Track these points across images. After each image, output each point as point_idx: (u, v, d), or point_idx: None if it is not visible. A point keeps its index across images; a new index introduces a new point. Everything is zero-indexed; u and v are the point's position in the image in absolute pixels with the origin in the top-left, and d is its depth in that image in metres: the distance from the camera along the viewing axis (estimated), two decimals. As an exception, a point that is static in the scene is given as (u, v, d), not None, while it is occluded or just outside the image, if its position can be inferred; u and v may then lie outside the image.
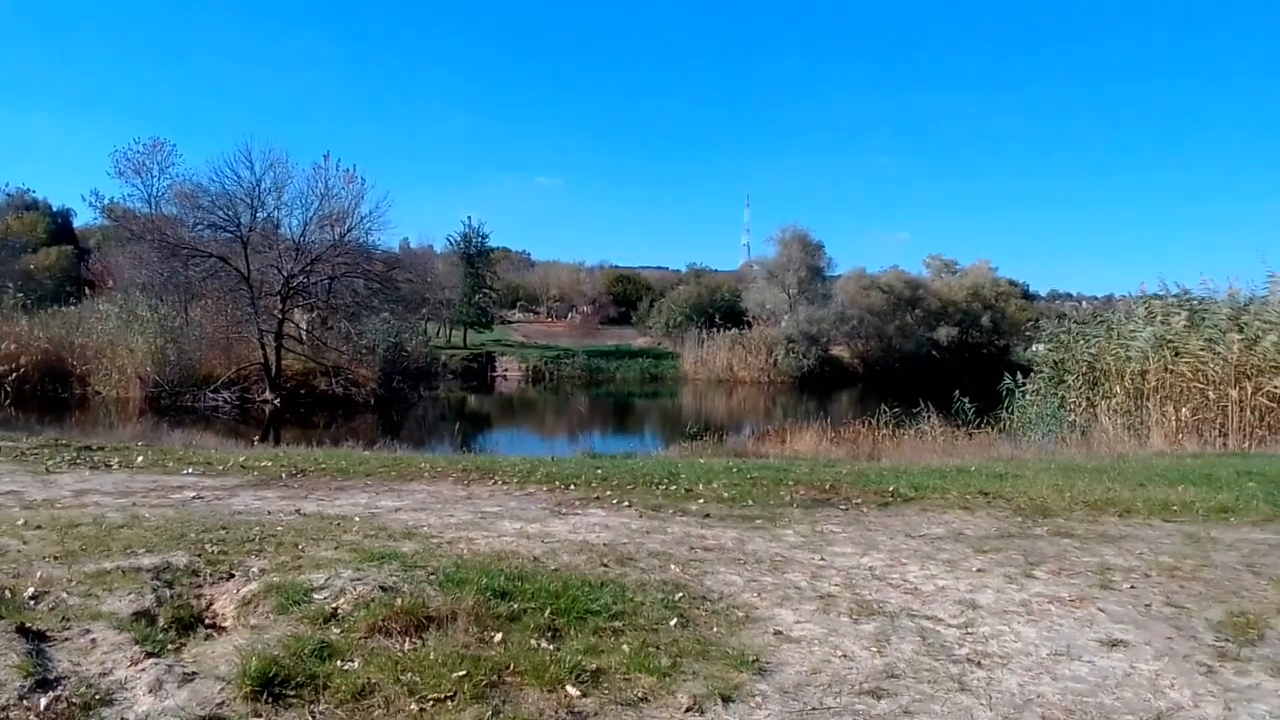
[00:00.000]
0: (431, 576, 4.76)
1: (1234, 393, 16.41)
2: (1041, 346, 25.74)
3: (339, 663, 3.65)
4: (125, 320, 30.53)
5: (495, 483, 8.63)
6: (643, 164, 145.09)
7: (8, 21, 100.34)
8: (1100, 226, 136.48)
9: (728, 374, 53.31)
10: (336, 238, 34.66)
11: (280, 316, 31.60)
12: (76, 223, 65.29)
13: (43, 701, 3.18)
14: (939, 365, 55.58)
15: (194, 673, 3.53)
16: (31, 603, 4.24)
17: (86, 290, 42.08)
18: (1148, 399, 17.48)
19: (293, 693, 3.39)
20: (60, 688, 3.31)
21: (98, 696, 3.29)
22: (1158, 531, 7.13)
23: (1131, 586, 5.45)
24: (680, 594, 4.87)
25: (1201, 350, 17.12)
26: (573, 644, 3.99)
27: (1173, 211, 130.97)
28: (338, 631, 4.00)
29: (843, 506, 7.89)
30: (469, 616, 4.12)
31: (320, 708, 3.32)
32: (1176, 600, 5.19)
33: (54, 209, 65.18)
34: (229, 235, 32.73)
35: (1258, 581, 5.64)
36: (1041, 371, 20.83)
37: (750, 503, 7.87)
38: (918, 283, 63.70)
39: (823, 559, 5.93)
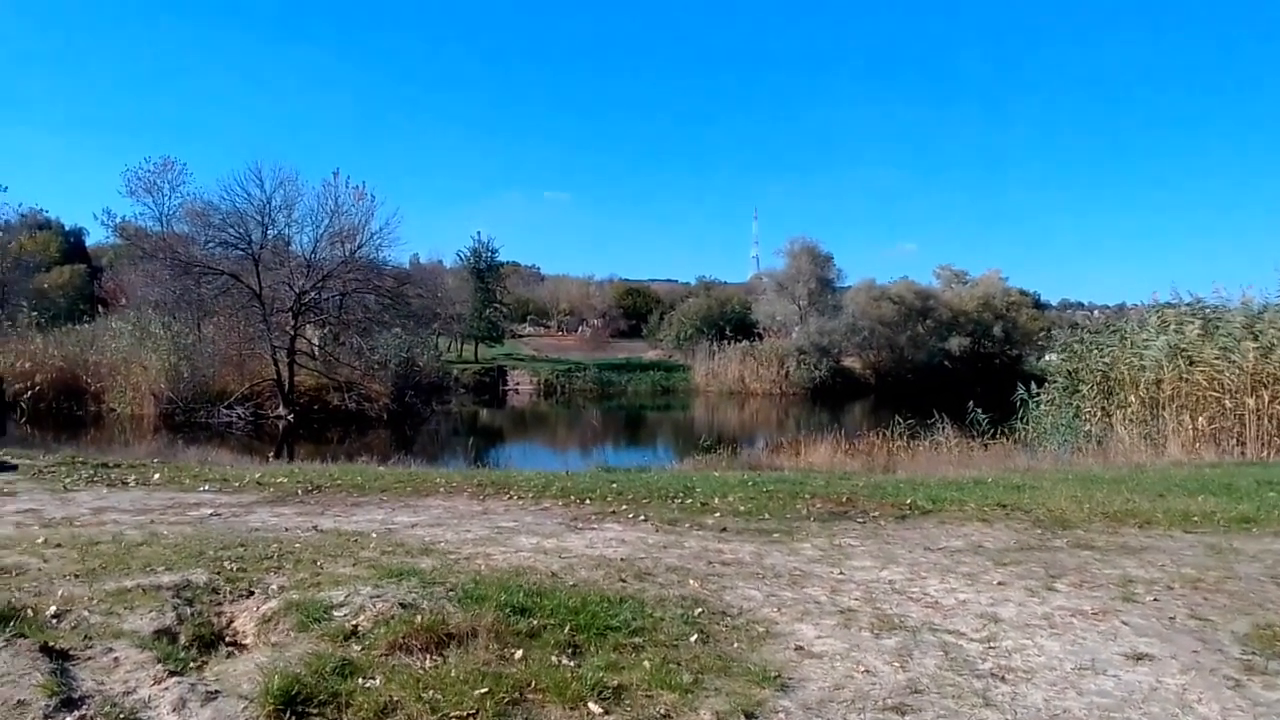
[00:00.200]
0: (451, 593, 4.75)
1: (1251, 401, 16.29)
2: (1054, 356, 25.65)
3: (360, 680, 3.65)
4: (139, 338, 30.69)
5: (511, 498, 8.62)
6: (651, 178, 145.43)
7: (18, 41, 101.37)
8: (1110, 235, 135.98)
9: (739, 386, 53.18)
10: (347, 254, 34.81)
11: (292, 333, 31.71)
12: (89, 241, 65.83)
13: (68, 721, 3.19)
14: (951, 376, 55.40)
15: (217, 691, 3.53)
16: (54, 621, 4.26)
17: (100, 308, 42.35)
18: (1163, 408, 17.37)
19: (315, 711, 3.39)
20: (85, 707, 3.31)
21: (122, 716, 3.29)
22: (1179, 543, 7.07)
23: (1154, 599, 5.40)
24: (700, 609, 4.85)
25: (1216, 359, 17.01)
26: (593, 660, 3.97)
27: (1182, 219, 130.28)
28: (358, 649, 4.00)
29: (860, 519, 7.85)
30: (489, 633, 4.11)
31: (343, 726, 3.32)
32: (1201, 613, 5.15)
33: (66, 228, 65.58)
34: (240, 253, 32.93)
35: (1282, 593, 5.58)
36: (1056, 381, 20.72)
37: (767, 516, 7.84)
38: (928, 293, 63.53)
39: (842, 573, 5.90)
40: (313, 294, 33.02)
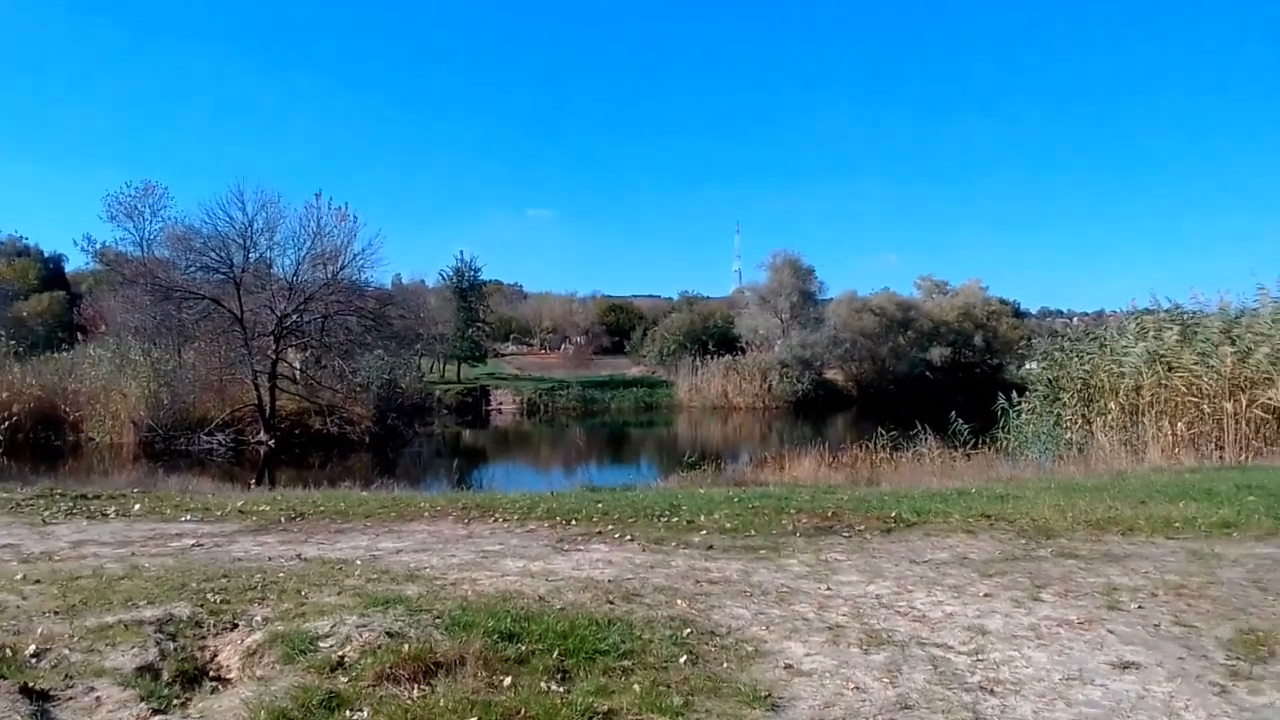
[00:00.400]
0: (437, 620, 4.72)
1: (1229, 405, 16.46)
2: (1035, 364, 25.82)
3: (348, 713, 3.62)
4: (118, 365, 30.39)
5: (496, 520, 8.58)
6: (632, 193, 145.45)
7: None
8: (1088, 243, 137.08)
9: (723, 400, 53.32)
10: (329, 276, 34.64)
11: (274, 356, 31.50)
12: (68, 268, 65.17)
13: (49, 763, 3.14)
14: (933, 386, 55.70)
15: (201, 728, 3.49)
16: (33, 661, 4.20)
17: (79, 335, 41.94)
18: (1143, 414, 17.51)
19: (302, 745, 3.36)
20: (67, 748, 3.27)
21: (105, 756, 3.25)
22: (1162, 549, 7.12)
23: (1139, 606, 5.44)
24: (688, 630, 4.84)
25: (1195, 364, 17.18)
26: (583, 685, 3.96)
27: (1160, 226, 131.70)
28: (345, 680, 3.97)
29: (846, 534, 7.87)
30: (477, 660, 4.08)
31: (331, 760, 3.29)
32: (1185, 619, 5.18)
33: (45, 255, 65.01)
34: (221, 276, 32.70)
35: (1265, 598, 5.63)
36: (1036, 390, 20.85)
37: (753, 533, 7.84)
38: (909, 304, 63.95)
39: (829, 588, 5.90)
40: (294, 317, 32.85)
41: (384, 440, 31.87)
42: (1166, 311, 19.44)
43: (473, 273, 59.73)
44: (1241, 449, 15.87)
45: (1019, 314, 74.89)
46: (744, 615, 5.24)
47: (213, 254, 32.91)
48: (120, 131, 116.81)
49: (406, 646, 4.24)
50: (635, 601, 5.44)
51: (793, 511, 8.77)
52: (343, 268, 35.16)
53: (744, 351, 57.64)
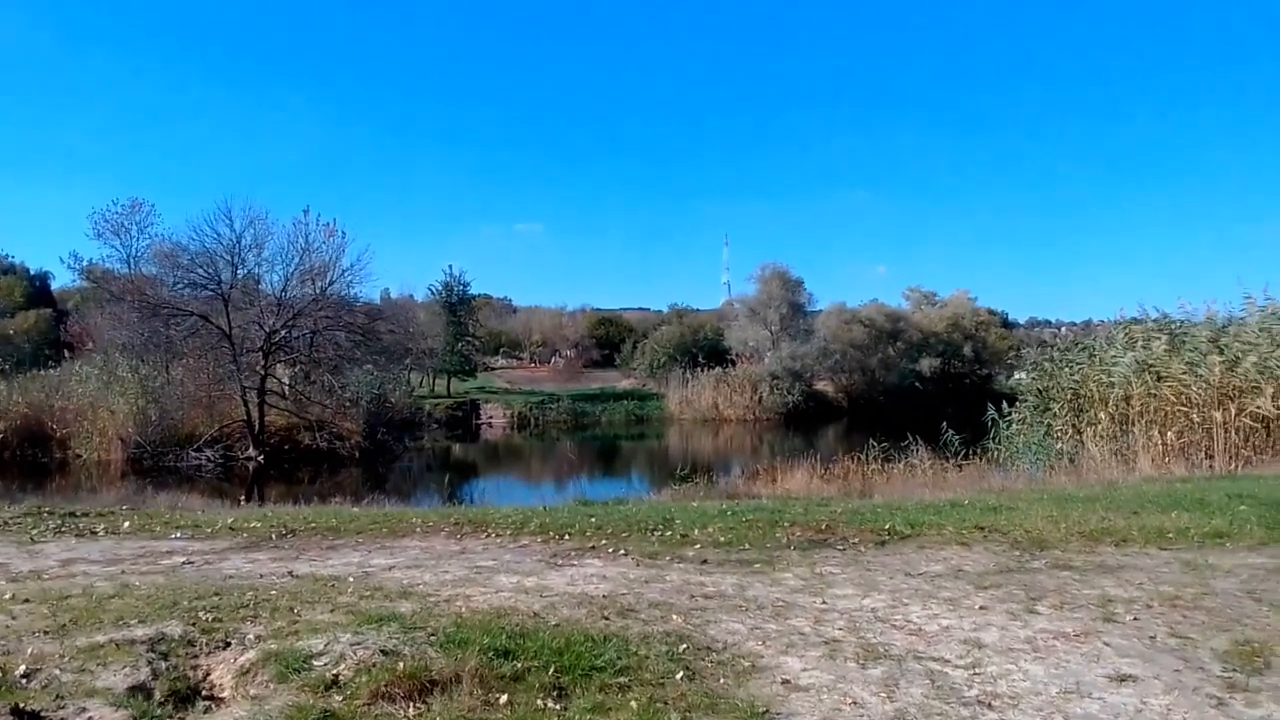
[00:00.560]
0: (432, 638, 4.69)
1: (1218, 415, 16.52)
2: (1024, 375, 25.90)
3: (343, 733, 3.58)
4: (105, 382, 30.30)
5: (489, 536, 8.54)
6: (621, 206, 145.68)
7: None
8: (1075, 253, 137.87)
9: (713, 413, 53.32)
10: (318, 292, 34.59)
11: (262, 372, 31.41)
12: (54, 285, 64.92)
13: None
14: (923, 397, 55.78)
15: (195, 750, 3.45)
16: (24, 681, 4.15)
17: (66, 353, 41.73)
18: (1133, 424, 17.57)
19: (297, 766, 3.33)
20: (58, 772, 3.23)
21: (97, 779, 3.21)
22: (1155, 560, 7.13)
23: (1134, 618, 5.44)
24: (684, 645, 4.82)
25: (1183, 373, 17.26)
26: (579, 703, 3.93)
27: (1146, 235, 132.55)
28: (340, 699, 3.94)
29: (840, 546, 7.85)
30: (473, 678, 4.06)
31: (327, 781, 3.25)
32: (1180, 631, 5.18)
33: (31, 272, 64.79)
34: (209, 293, 32.60)
35: (1259, 608, 5.64)
36: (1026, 400, 20.90)
37: (747, 546, 7.82)
38: (898, 315, 64.14)
39: (824, 602, 5.89)
40: (283, 333, 32.77)
41: (374, 455, 31.78)
42: (1154, 321, 19.54)
43: (462, 287, 59.72)
44: (1231, 458, 15.93)
45: (1007, 324, 75.21)
46: (740, 630, 5.22)
47: (200, 270, 32.85)
48: (108, 151, 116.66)
49: (401, 664, 4.21)
50: (630, 617, 5.41)
51: (786, 524, 8.76)
52: (331, 283, 35.17)
53: (734, 363, 57.64)
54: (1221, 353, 17.22)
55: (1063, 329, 58.61)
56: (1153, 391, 17.54)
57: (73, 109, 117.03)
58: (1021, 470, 16.89)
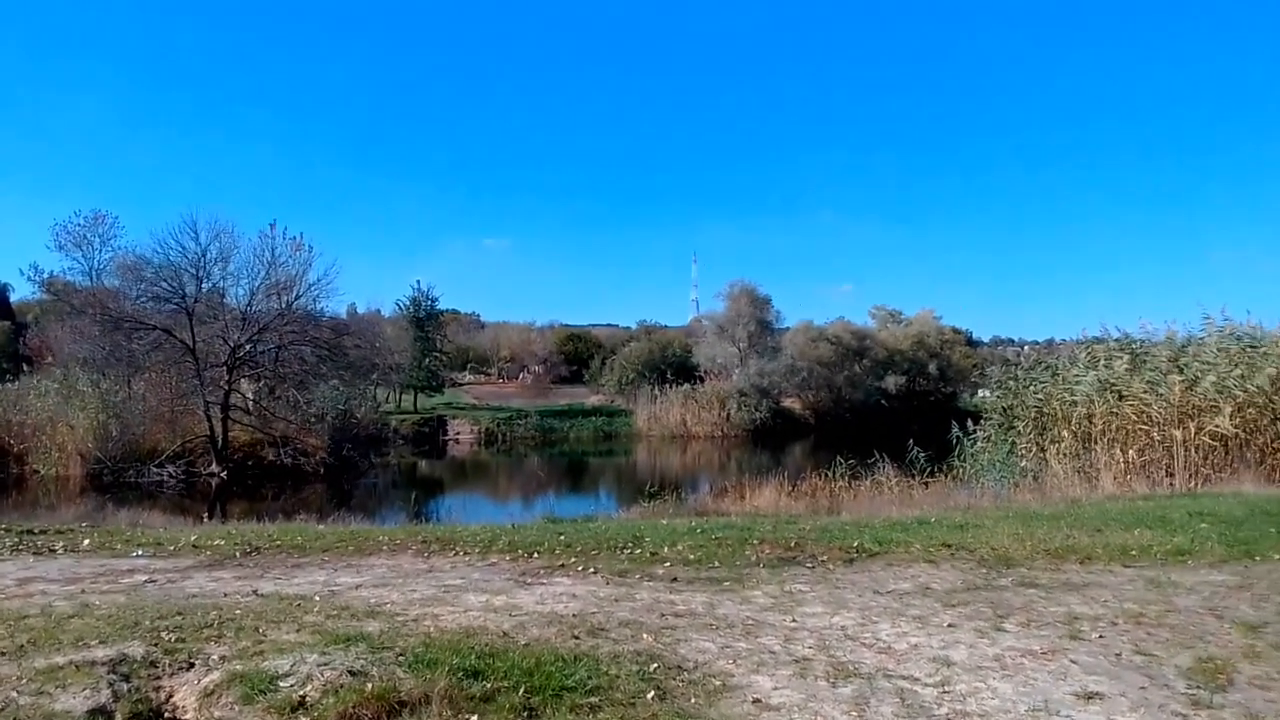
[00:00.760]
0: (401, 658, 4.64)
1: (1178, 433, 16.78)
2: (988, 392, 26.18)
3: (310, 756, 3.53)
4: (65, 396, 29.83)
5: (457, 554, 8.48)
6: (590, 222, 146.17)
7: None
8: (1037, 273, 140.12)
9: (681, 429, 53.39)
10: (284, 306, 34.30)
11: (226, 387, 31.06)
12: (14, 297, 63.88)
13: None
14: (888, 414, 56.25)
15: (158, 774, 3.39)
16: (-20, 705, 4.06)
17: (25, 366, 41.03)
18: (1095, 442, 17.80)
19: (263, 791, 3.27)
20: (16, 798, 3.15)
21: (57, 806, 3.14)
22: (1119, 577, 7.21)
23: (1100, 636, 5.49)
24: (655, 664, 4.80)
25: (1144, 392, 17.52)
26: (550, 723, 3.90)
27: (1105, 254, 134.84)
28: (307, 721, 3.88)
29: (809, 564, 7.87)
30: (442, 699, 4.02)
31: (293, 806, 3.20)
32: (1145, 648, 5.24)
33: (-11, 285, 63.73)
34: (173, 306, 32.21)
35: (1221, 625, 5.72)
36: (991, 418, 21.12)
37: (717, 564, 7.82)
38: (864, 333, 64.70)
39: (794, 620, 5.90)
40: (248, 347, 32.44)
41: (339, 471, 31.48)
42: (1116, 341, 19.84)
43: (430, 302, 59.42)
44: (1191, 476, 16.17)
45: (971, 343, 76.12)
46: (710, 649, 5.21)
47: (164, 284, 32.46)
48: (70, 164, 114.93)
49: (369, 685, 4.16)
50: (601, 636, 5.39)
51: (756, 542, 8.77)
52: (298, 297, 34.93)
53: (702, 380, 57.78)
54: (1181, 372, 17.50)
55: (1025, 348, 59.29)
56: (1114, 410, 17.79)
57: (34, 121, 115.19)
58: (987, 488, 17.03)
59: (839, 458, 18.74)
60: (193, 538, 9.55)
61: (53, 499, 24.11)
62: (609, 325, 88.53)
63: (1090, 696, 4.44)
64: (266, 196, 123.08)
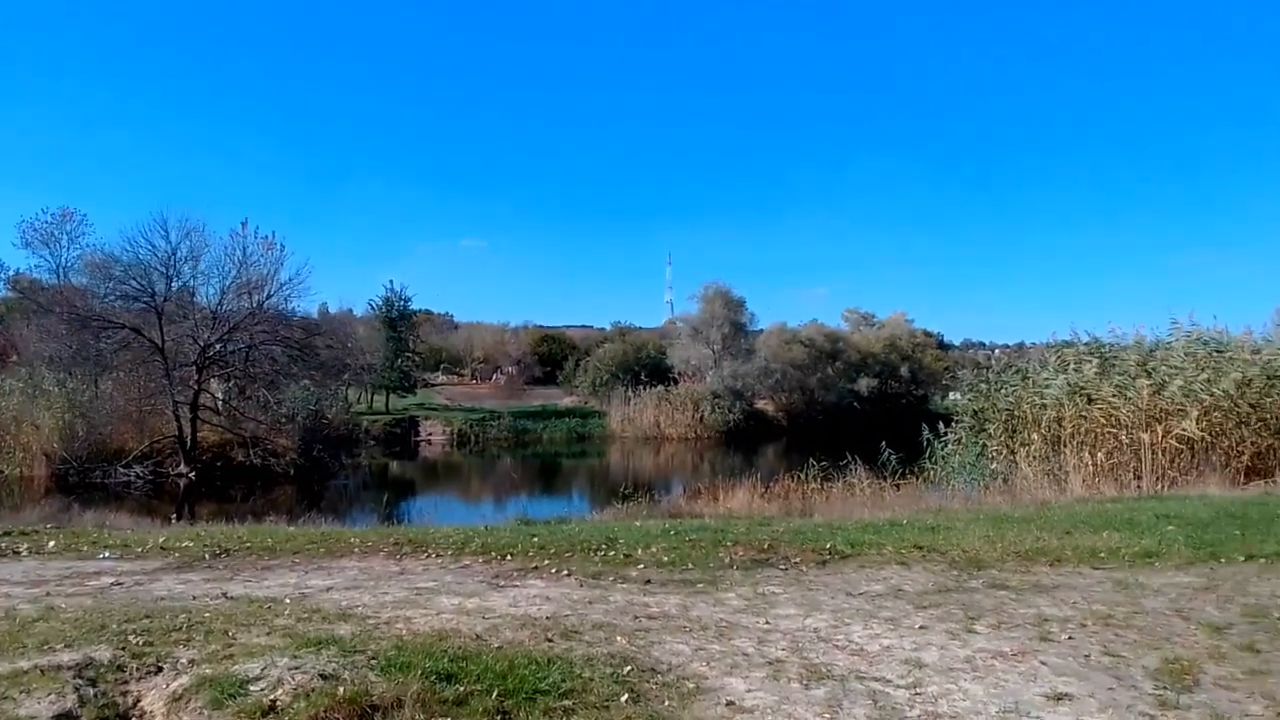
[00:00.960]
0: (373, 661, 4.61)
1: (1145, 436, 17.00)
2: (959, 395, 26.39)
3: (281, 761, 3.50)
4: (30, 395, 29.36)
5: (429, 556, 8.43)
6: (566, 224, 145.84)
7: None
8: (1008, 277, 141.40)
9: (655, 431, 53.43)
10: (255, 305, 33.98)
11: (196, 387, 30.73)
12: (-23, 295, 62.81)
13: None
14: (860, 416, 56.56)
15: (125, 780, 3.34)
16: (-58, 711, 3.99)
17: (-12, 365, 40.38)
18: (1064, 445, 18.00)
19: (233, 796, 3.24)
20: (-21, 806, 3.10)
21: (21, 813, 3.09)
22: (1088, 579, 7.29)
23: (1069, 637, 5.55)
24: (629, 667, 4.80)
25: (1113, 396, 17.75)
26: (524, 727, 3.89)
27: (1077, 259, 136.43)
28: (277, 726, 3.84)
29: (782, 566, 7.90)
30: (415, 703, 3.99)
31: (263, 811, 3.17)
32: (1113, 649, 5.30)
33: (-48, 281, 62.59)
34: (142, 305, 31.81)
35: (1187, 627, 5.80)
36: (962, 420, 21.29)
37: (690, 566, 7.83)
38: (837, 336, 65.02)
39: (767, 622, 5.91)
40: (218, 346, 32.11)
41: (309, 472, 31.21)
42: (1085, 345, 20.08)
43: (402, 302, 58.99)
44: (1158, 478, 16.39)
45: (943, 346, 76.76)
46: (684, 651, 5.21)
47: (133, 282, 32.08)
48: (34, 161, 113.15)
49: (341, 689, 4.13)
50: (574, 639, 5.38)
51: (729, 544, 8.79)
52: (269, 297, 34.63)
53: (676, 382, 57.84)
54: (1149, 376, 17.74)
55: (996, 351, 59.85)
56: (1083, 413, 18.00)
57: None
58: (957, 490, 17.17)
59: (812, 460, 18.80)
60: (161, 539, 9.43)
61: (17, 500, 23.72)
62: (583, 326, 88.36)
63: (1060, 698, 4.49)
64: (239, 196, 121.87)
